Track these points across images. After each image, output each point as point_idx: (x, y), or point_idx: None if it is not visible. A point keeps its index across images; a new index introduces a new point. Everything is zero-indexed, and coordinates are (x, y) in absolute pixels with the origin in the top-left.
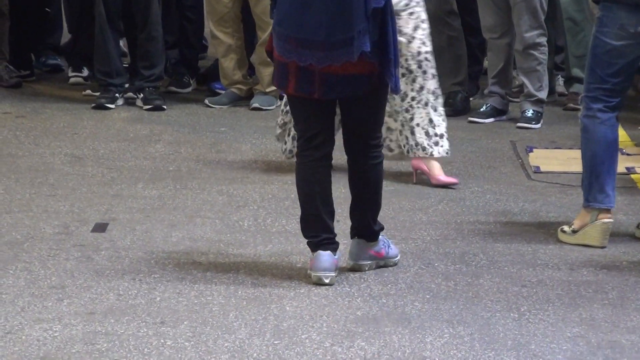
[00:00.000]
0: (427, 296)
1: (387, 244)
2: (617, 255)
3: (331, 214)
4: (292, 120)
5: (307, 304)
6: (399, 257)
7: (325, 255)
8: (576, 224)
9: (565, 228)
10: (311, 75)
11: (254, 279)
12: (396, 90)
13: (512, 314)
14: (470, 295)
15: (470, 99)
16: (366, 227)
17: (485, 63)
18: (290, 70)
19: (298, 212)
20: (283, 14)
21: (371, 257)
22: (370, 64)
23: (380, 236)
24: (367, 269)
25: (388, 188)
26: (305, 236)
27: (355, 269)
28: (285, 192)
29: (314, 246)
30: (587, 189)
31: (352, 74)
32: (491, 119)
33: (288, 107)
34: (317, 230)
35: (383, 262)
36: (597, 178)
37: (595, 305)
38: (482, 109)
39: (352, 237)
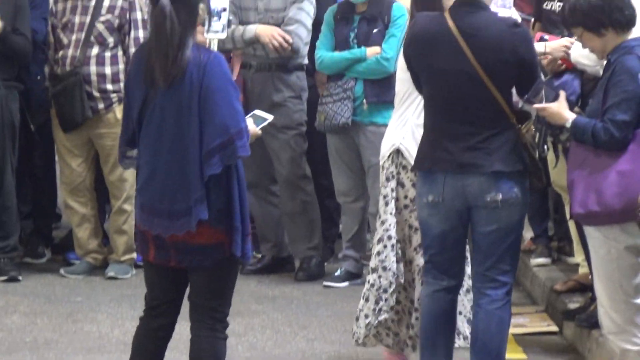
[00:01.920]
0: None
1: None
2: None
3: None
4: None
5: None
6: None
7: None
8: None
9: None
10: (165, 243)
11: None
12: (245, 259)
13: None
14: None
15: (325, 263)
16: None
17: (341, 226)
18: (149, 238)
19: None
20: (140, 183)
21: None
22: (218, 233)
23: None
24: None
25: (244, 354)
26: None
27: None
28: None
29: None
30: None
31: (200, 243)
32: (346, 283)
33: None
34: None
35: None
36: (430, 352)
37: None
38: (336, 273)
39: None
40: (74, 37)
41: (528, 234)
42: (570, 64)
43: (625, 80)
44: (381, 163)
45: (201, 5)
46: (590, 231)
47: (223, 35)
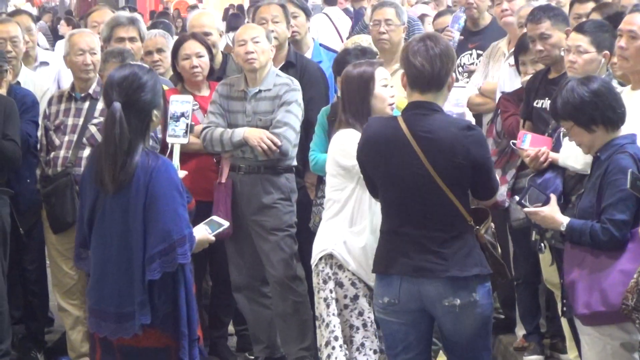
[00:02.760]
0: None
1: None
2: None
3: None
4: None
5: None
6: None
7: None
8: None
9: None
10: (111, 347)
11: None
12: None
13: None
14: None
15: None
16: None
17: None
18: (96, 341)
19: None
20: (90, 285)
21: None
22: (165, 338)
23: None
24: None
25: None
26: None
27: None
28: None
29: None
30: None
31: (147, 347)
32: None
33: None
34: None
35: None
36: None
37: None
38: None
39: None
40: (66, 138)
41: (520, 331)
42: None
43: (621, 179)
44: (313, 267)
45: (154, 112)
46: (584, 328)
47: (184, 140)
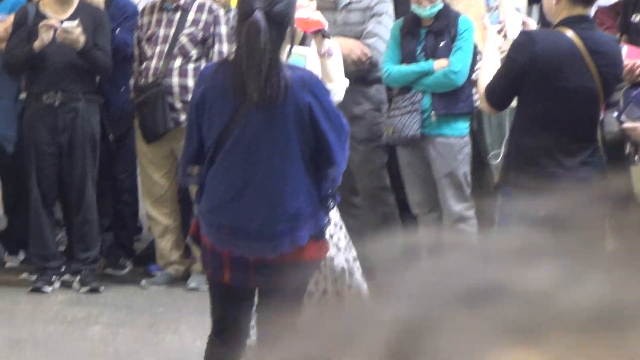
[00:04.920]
0: None
1: None
2: None
3: None
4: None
5: None
6: None
7: None
8: None
9: None
10: (246, 264)
11: None
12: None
13: None
14: None
15: None
16: None
17: None
18: (225, 259)
19: None
20: (216, 202)
21: None
22: (312, 249)
23: None
24: None
25: None
26: None
27: None
28: None
29: None
30: None
31: (290, 263)
32: None
33: None
34: None
35: None
36: None
37: None
38: None
39: None
40: (157, 49)
41: None
42: None
43: None
44: None
45: (289, 28)
46: None
47: None
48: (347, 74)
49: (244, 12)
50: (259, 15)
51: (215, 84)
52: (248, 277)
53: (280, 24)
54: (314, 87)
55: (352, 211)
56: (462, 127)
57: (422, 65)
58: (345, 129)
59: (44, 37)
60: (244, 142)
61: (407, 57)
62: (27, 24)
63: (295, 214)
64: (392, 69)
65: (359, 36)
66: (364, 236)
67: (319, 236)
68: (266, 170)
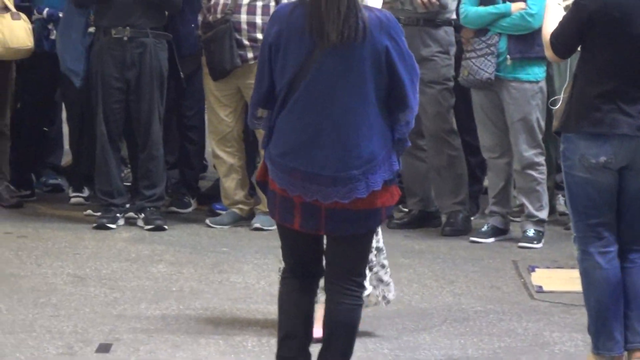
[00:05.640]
0: None
1: None
2: None
3: (308, 341)
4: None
5: None
6: None
7: None
8: None
9: None
10: (317, 211)
11: None
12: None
13: None
14: None
15: (471, 218)
16: None
17: (486, 182)
18: (296, 205)
19: None
20: (288, 146)
21: None
22: (384, 195)
23: None
24: None
25: (391, 308)
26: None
27: None
28: None
29: None
30: (594, 335)
31: (362, 209)
32: (492, 239)
33: None
34: (294, 352)
35: None
36: (603, 325)
37: None
38: (483, 229)
39: None
40: None
41: None
42: None
43: None
44: None
45: None
46: None
47: None
48: (416, 16)
49: None
50: None
51: (291, 25)
52: (319, 223)
53: None
54: (392, 28)
55: (417, 154)
56: (537, 71)
57: (499, 7)
58: (417, 72)
59: None
60: (319, 84)
61: None
62: None
63: (369, 158)
64: (469, 10)
65: None
66: (430, 179)
67: (391, 181)
68: (341, 113)
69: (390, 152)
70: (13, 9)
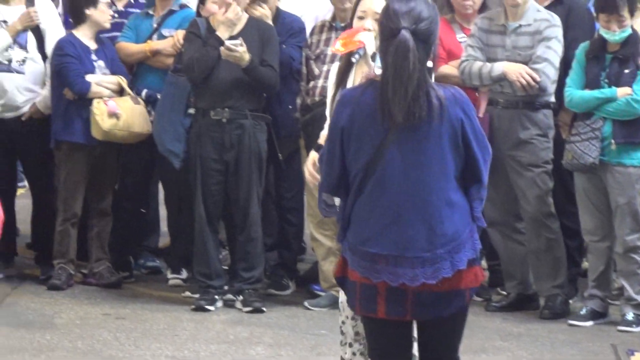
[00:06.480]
0: None
1: None
2: None
3: None
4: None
5: None
6: None
7: None
8: None
9: None
10: (403, 295)
11: None
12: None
13: None
14: None
15: (570, 301)
16: None
17: (584, 265)
18: (380, 292)
19: None
20: (370, 232)
21: None
22: (468, 276)
23: None
24: None
25: None
26: None
27: None
28: None
29: None
30: None
31: (448, 291)
32: (591, 322)
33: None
34: None
35: None
36: None
37: None
38: (582, 312)
39: None
40: (325, 68)
41: None
42: None
43: None
44: None
45: (433, 48)
46: None
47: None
48: (515, 99)
49: (390, 31)
50: (406, 34)
51: (363, 106)
52: (405, 308)
53: (426, 42)
54: (465, 104)
55: (516, 237)
56: None
57: (605, 92)
58: (489, 150)
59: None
60: (397, 165)
61: (591, 82)
62: (200, 37)
63: (453, 236)
64: (575, 93)
65: (527, 60)
66: (528, 262)
67: (474, 261)
68: (422, 192)
69: (473, 231)
70: (131, 92)
